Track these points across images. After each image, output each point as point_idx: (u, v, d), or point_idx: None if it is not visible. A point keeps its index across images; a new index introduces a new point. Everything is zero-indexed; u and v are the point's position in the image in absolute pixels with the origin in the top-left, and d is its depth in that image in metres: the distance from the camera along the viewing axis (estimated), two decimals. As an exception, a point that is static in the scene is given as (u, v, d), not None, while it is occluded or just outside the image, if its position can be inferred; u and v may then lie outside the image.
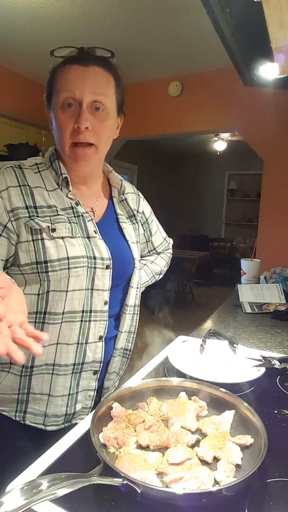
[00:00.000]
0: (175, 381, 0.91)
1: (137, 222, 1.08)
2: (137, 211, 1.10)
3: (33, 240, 0.84)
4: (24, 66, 3.95)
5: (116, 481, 0.58)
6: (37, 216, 0.85)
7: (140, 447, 0.71)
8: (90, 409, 0.97)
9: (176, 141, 7.26)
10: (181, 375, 0.98)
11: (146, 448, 0.71)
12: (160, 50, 3.50)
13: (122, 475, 0.58)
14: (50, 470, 0.66)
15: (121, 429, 0.73)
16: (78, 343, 0.91)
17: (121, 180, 1.04)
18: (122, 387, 0.87)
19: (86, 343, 0.92)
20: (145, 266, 1.20)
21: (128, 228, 1.04)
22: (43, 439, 0.91)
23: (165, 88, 4.12)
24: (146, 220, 1.17)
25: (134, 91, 4.12)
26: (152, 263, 1.23)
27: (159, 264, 1.26)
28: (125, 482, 0.57)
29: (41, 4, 2.80)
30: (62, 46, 0.87)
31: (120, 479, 0.57)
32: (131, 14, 2.88)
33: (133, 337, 1.06)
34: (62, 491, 0.54)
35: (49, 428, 0.93)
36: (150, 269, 1.22)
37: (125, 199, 1.06)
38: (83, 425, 0.80)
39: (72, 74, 0.84)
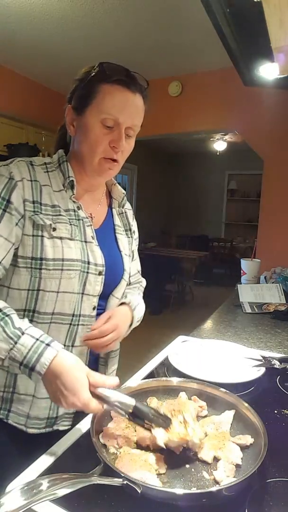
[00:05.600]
0: (175, 381, 0.91)
1: (132, 237, 1.10)
2: (132, 225, 1.12)
3: (33, 235, 0.85)
4: (24, 66, 3.95)
5: (116, 481, 0.58)
6: (41, 213, 0.86)
7: (140, 447, 0.71)
8: (73, 415, 0.95)
9: (176, 141, 7.25)
10: (181, 375, 0.98)
11: (146, 448, 0.71)
12: (160, 50, 3.49)
13: (122, 475, 0.58)
14: (50, 470, 0.66)
15: (121, 429, 0.73)
16: (64, 346, 0.91)
17: (123, 193, 1.08)
18: (122, 387, 0.87)
19: (72, 346, 0.92)
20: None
21: (123, 240, 1.05)
22: (24, 441, 0.90)
23: (165, 88, 4.12)
24: (134, 239, 1.16)
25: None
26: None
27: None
28: (125, 482, 0.57)
29: (41, 4, 2.80)
30: (109, 62, 0.87)
31: (120, 479, 0.57)
32: (131, 15, 2.88)
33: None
34: (62, 491, 0.54)
35: (30, 431, 0.92)
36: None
37: (125, 212, 1.09)
38: (83, 425, 0.80)
39: (121, 98, 0.86)
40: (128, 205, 1.13)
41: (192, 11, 2.70)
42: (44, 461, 0.68)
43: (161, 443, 0.67)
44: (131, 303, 1.01)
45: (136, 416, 0.70)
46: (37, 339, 0.74)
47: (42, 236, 0.85)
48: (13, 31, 3.22)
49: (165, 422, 0.70)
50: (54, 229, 0.86)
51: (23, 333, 0.74)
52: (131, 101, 0.87)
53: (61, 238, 0.87)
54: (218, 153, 7.35)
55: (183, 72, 3.96)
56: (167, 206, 9.05)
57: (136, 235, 1.16)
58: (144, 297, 1.14)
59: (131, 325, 1.02)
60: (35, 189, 0.87)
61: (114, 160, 0.92)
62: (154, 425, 0.69)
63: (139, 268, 1.19)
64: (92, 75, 0.87)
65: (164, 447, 0.68)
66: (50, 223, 0.86)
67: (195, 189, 8.93)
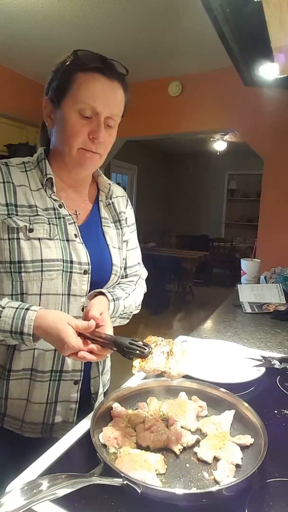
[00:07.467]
0: (175, 381, 0.91)
1: (121, 228, 1.04)
2: (124, 213, 1.07)
3: (9, 239, 0.83)
4: (24, 66, 3.95)
5: (116, 481, 0.58)
6: (16, 215, 0.84)
7: (140, 447, 0.71)
8: (74, 424, 0.92)
9: (176, 141, 7.26)
10: (181, 375, 0.98)
11: (146, 448, 0.71)
12: (160, 50, 3.49)
13: (122, 475, 0.58)
14: (50, 470, 0.66)
15: (121, 429, 0.73)
16: (55, 350, 0.89)
17: (109, 184, 1.03)
18: (122, 387, 0.87)
19: None
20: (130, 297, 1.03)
21: (111, 232, 1.01)
22: (21, 445, 0.90)
23: (165, 88, 4.12)
24: (128, 227, 1.10)
25: (134, 91, 4.08)
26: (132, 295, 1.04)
27: (138, 298, 1.08)
28: (125, 482, 0.57)
29: (41, 4, 2.80)
30: (84, 49, 0.85)
31: (120, 479, 0.57)
32: (131, 15, 2.88)
33: None
34: (62, 491, 0.54)
35: (26, 435, 0.91)
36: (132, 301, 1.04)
37: (112, 203, 1.04)
38: (83, 425, 0.80)
39: (97, 86, 0.83)
40: (119, 192, 1.08)
41: (192, 11, 2.70)
42: (44, 461, 0.68)
43: (135, 371, 0.72)
44: (109, 293, 0.92)
45: (122, 351, 0.73)
46: (17, 308, 0.79)
47: (18, 238, 0.83)
48: (13, 31, 3.22)
49: (142, 351, 0.72)
50: (31, 230, 0.84)
51: (4, 308, 0.80)
52: (108, 89, 0.84)
53: (39, 238, 0.85)
54: (218, 153, 7.35)
55: (183, 72, 3.96)
56: (167, 206, 9.05)
57: (130, 221, 1.10)
58: (144, 297, 1.12)
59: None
60: (8, 191, 0.85)
61: (94, 152, 0.87)
62: (133, 356, 0.72)
63: (140, 259, 1.13)
64: (67, 64, 0.85)
65: (136, 372, 0.72)
66: (25, 225, 0.84)
67: (195, 189, 8.92)
